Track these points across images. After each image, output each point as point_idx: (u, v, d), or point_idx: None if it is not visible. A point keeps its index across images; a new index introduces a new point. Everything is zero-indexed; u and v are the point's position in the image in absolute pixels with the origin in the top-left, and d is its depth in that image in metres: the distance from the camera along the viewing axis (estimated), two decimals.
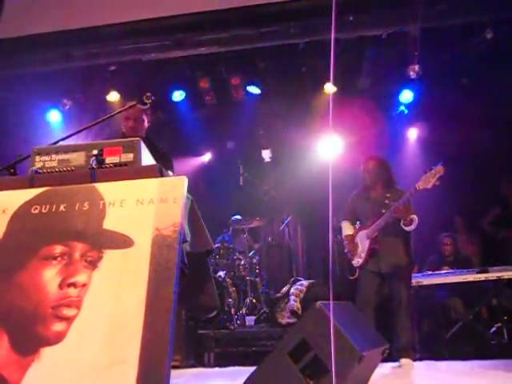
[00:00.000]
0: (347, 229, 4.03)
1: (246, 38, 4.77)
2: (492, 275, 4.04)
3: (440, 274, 4.36)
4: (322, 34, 4.79)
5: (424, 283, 4.22)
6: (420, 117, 5.93)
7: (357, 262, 3.81)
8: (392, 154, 5.10)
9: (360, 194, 4.01)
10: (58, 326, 1.47)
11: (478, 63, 5.05)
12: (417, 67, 5.19)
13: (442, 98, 5.46)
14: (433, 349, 3.90)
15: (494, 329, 4.14)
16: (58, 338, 1.45)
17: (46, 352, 1.43)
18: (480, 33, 4.71)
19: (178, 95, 5.88)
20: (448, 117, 5.52)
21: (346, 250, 3.99)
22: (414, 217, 3.54)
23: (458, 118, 5.42)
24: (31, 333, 1.47)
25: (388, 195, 3.73)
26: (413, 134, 6.29)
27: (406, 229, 3.57)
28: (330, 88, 5.71)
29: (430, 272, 4.47)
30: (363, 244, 3.81)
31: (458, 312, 4.25)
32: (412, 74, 5.26)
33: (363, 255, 3.78)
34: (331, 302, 1.96)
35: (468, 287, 4.17)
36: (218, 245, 5.22)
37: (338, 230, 5.07)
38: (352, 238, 3.95)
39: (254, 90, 5.85)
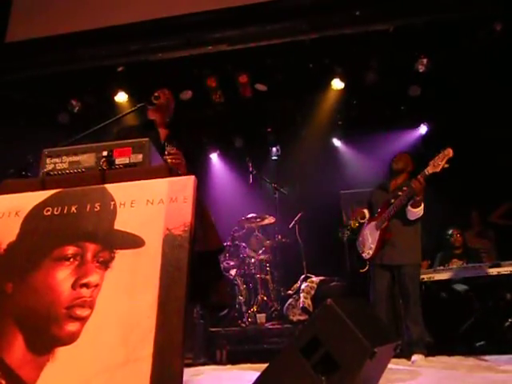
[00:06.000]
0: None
1: (252, 36, 4.77)
2: (505, 269, 4.01)
3: (452, 269, 4.33)
4: (329, 31, 4.77)
5: (436, 278, 4.20)
6: (429, 111, 5.89)
7: (367, 254, 3.80)
8: (401, 150, 5.06)
9: (380, 184, 4.04)
10: (71, 326, 1.49)
11: (487, 55, 4.99)
12: (425, 61, 5.15)
13: (451, 91, 5.41)
14: (445, 344, 3.88)
15: (507, 323, 4.10)
16: (72, 337, 1.47)
17: (61, 352, 1.45)
18: (488, 25, 4.66)
19: (185, 94, 5.89)
20: (458, 110, 5.47)
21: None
22: (422, 202, 3.51)
23: (469, 112, 5.37)
24: (46, 333, 1.49)
25: (404, 188, 3.69)
26: (422, 128, 6.25)
27: (412, 212, 3.54)
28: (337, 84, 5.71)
29: (441, 267, 4.44)
30: (373, 235, 3.79)
31: (471, 307, 4.22)
32: (420, 68, 5.23)
33: (373, 247, 3.76)
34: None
35: (481, 282, 4.14)
36: (229, 243, 5.23)
37: (347, 227, 5.08)
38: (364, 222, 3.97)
39: (261, 87, 5.84)
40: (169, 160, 2.45)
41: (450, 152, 3.32)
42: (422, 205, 3.53)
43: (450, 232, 4.86)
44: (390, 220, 3.69)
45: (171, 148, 2.51)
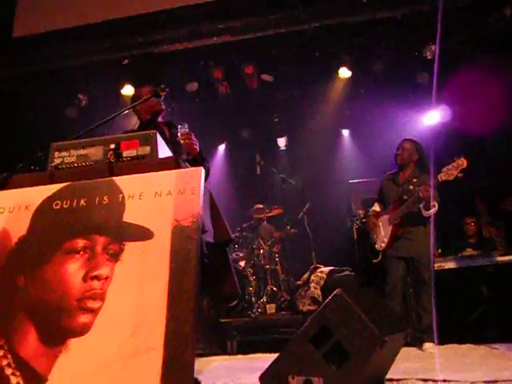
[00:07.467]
0: (374, 207, 4.08)
1: (257, 26, 4.74)
2: None
3: (463, 257, 4.31)
4: (334, 18, 4.72)
5: (446, 267, 4.18)
6: (438, 99, 5.81)
7: (379, 246, 3.83)
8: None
9: (389, 176, 4.02)
10: (83, 318, 1.50)
11: (497, 40, 4.91)
12: (433, 48, 5.07)
13: (460, 78, 5.34)
14: (456, 333, 3.87)
15: None
16: (84, 329, 1.49)
17: (74, 343, 1.47)
18: (498, 9, 4.58)
19: (191, 86, 5.87)
20: (467, 98, 5.40)
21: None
22: (435, 203, 3.51)
23: (477, 99, 5.30)
24: (58, 325, 1.51)
25: (414, 180, 3.71)
26: (429, 117, 6.17)
27: (425, 213, 3.55)
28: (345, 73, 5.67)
29: (452, 256, 4.42)
30: (386, 229, 3.81)
31: (482, 295, 4.20)
32: (428, 55, 5.16)
33: (386, 240, 3.78)
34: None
35: (491, 270, 4.11)
36: (238, 234, 5.24)
37: (356, 216, 5.06)
38: (376, 213, 3.98)
39: (267, 77, 5.81)
40: (181, 141, 2.45)
41: (464, 162, 3.30)
42: (436, 206, 3.51)
43: (464, 221, 4.82)
44: (402, 217, 3.71)
45: (184, 129, 2.50)
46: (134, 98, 2.87)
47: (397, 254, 3.75)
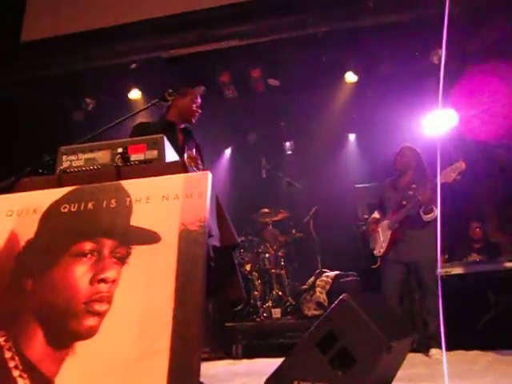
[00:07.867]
0: (374, 213, 4.10)
1: (265, 30, 4.75)
2: None
3: (470, 262, 4.28)
4: (341, 23, 4.73)
5: (453, 272, 4.15)
6: (444, 103, 5.79)
7: (378, 251, 3.83)
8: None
9: (389, 182, 4.04)
10: (90, 321, 1.51)
11: (505, 44, 4.90)
12: (440, 52, 5.06)
13: (467, 82, 5.32)
14: (464, 339, 3.84)
15: None
16: (91, 332, 1.49)
17: (80, 346, 1.48)
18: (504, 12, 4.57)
19: (198, 90, 5.88)
20: (474, 102, 5.38)
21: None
22: (434, 208, 3.51)
23: (485, 104, 5.27)
24: (65, 328, 1.52)
25: (413, 186, 3.70)
26: (436, 121, 6.12)
27: (425, 217, 3.54)
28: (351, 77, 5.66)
29: (459, 261, 4.39)
30: (385, 234, 3.82)
31: (489, 301, 4.17)
32: (435, 60, 5.15)
33: (384, 245, 3.78)
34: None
35: (499, 276, 4.08)
36: (243, 238, 5.24)
37: (363, 221, 5.05)
38: (376, 219, 3.99)
39: (273, 82, 5.82)
40: (187, 164, 2.47)
41: (462, 165, 3.31)
42: (435, 210, 3.51)
43: (470, 225, 4.79)
44: (401, 222, 3.70)
45: (191, 151, 2.53)
46: (183, 91, 2.86)
47: (396, 259, 3.74)
